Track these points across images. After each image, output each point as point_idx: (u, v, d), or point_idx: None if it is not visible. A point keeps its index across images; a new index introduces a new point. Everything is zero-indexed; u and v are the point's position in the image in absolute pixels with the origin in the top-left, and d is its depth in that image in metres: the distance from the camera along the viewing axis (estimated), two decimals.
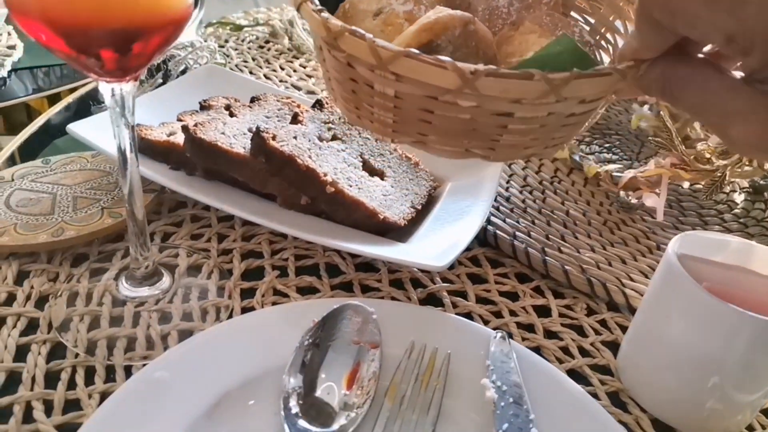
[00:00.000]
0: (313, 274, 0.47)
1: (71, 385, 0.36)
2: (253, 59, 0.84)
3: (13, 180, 0.50)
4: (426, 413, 0.34)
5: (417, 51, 0.31)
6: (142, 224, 0.38)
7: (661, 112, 0.53)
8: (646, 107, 0.77)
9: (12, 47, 0.79)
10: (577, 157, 0.65)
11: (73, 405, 0.35)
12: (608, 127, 0.77)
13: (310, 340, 0.36)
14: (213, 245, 0.48)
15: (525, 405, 0.35)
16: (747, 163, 0.55)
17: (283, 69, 0.82)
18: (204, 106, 0.58)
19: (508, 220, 0.54)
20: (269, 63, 0.84)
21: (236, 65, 0.81)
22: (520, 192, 0.59)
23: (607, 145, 0.72)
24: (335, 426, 0.32)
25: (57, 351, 0.38)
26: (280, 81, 0.79)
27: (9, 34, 0.81)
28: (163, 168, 0.50)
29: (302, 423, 0.32)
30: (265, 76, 0.79)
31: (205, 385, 0.34)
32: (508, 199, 0.57)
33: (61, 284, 0.42)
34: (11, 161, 0.56)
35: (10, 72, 0.74)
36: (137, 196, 0.36)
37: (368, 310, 0.39)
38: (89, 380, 0.36)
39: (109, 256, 0.45)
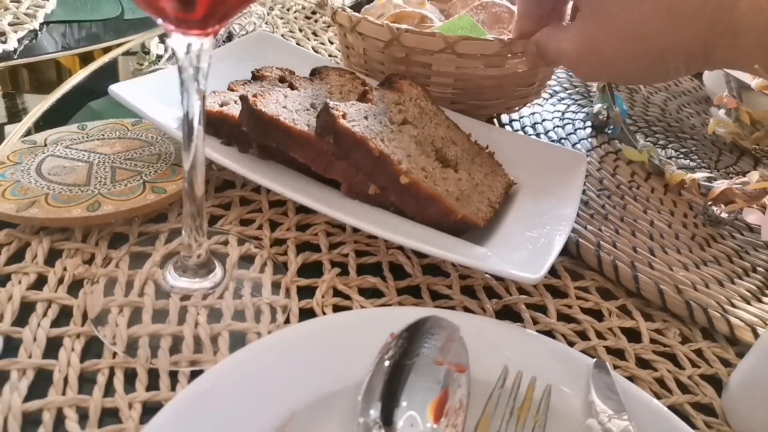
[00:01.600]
0: (376, 273, 0.42)
1: (108, 390, 0.31)
2: (300, 30, 0.78)
3: (46, 145, 0.44)
4: None
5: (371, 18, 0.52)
6: (200, 203, 0.32)
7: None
8: (722, 111, 0.71)
9: None
10: (656, 161, 0.59)
11: (110, 414, 0.30)
12: (682, 130, 0.71)
13: (388, 358, 0.31)
14: (265, 233, 0.43)
15: None
16: None
17: (332, 43, 0.76)
18: (256, 76, 0.52)
19: (589, 227, 0.48)
20: (317, 35, 0.78)
21: (282, 35, 0.75)
22: (598, 196, 0.54)
23: (683, 150, 0.66)
24: None
25: (92, 347, 0.33)
26: (330, 56, 0.73)
27: None
28: (213, 142, 0.44)
29: None
30: (313, 49, 0.74)
31: (268, 405, 0.29)
32: (586, 203, 0.52)
33: (98, 268, 0.37)
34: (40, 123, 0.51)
35: (41, 25, 0.68)
36: (200, 172, 0.31)
37: (454, 325, 0.33)
38: (129, 385, 0.31)
39: (152, 238, 0.40)
